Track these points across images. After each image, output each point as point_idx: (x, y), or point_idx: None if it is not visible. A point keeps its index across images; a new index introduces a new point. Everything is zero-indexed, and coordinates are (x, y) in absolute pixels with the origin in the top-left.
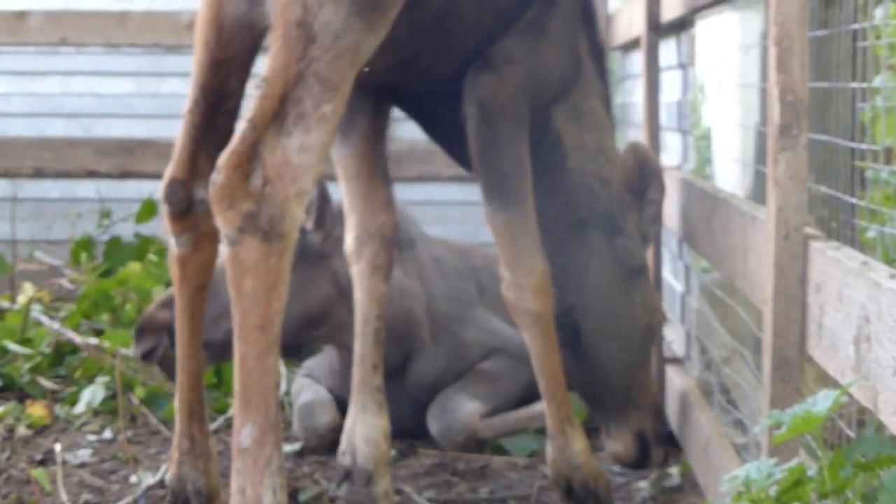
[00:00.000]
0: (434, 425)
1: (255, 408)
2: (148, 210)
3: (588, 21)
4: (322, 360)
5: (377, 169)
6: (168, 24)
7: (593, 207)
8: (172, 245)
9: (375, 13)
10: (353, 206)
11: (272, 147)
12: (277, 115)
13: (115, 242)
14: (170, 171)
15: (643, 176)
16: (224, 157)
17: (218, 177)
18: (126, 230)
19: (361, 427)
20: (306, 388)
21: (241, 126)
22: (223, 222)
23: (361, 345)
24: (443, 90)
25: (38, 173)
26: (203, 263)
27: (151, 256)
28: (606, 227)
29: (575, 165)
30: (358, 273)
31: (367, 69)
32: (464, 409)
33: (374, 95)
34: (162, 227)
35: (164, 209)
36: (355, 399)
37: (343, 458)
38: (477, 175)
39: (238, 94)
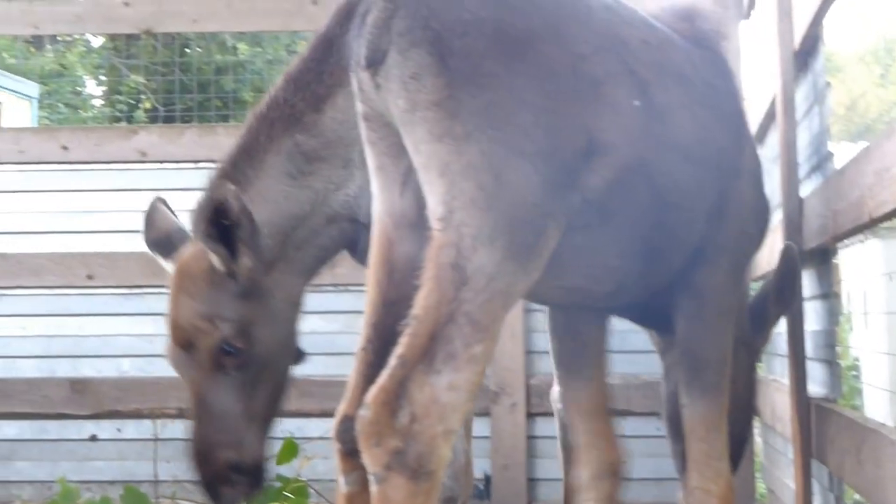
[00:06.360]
0: None
1: None
2: (289, 450)
3: None
4: None
5: (607, 402)
6: None
7: (742, 330)
8: (341, 483)
9: (530, 257)
10: (591, 442)
11: (420, 384)
12: (427, 353)
13: None
14: (342, 408)
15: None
16: (373, 393)
17: (366, 413)
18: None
19: None
20: None
21: (391, 362)
22: (370, 459)
23: None
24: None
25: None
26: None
27: (289, 495)
28: (746, 341)
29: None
30: None
31: (589, 301)
32: None
33: (603, 327)
34: (301, 466)
35: (335, 447)
36: None
37: None
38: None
39: None
